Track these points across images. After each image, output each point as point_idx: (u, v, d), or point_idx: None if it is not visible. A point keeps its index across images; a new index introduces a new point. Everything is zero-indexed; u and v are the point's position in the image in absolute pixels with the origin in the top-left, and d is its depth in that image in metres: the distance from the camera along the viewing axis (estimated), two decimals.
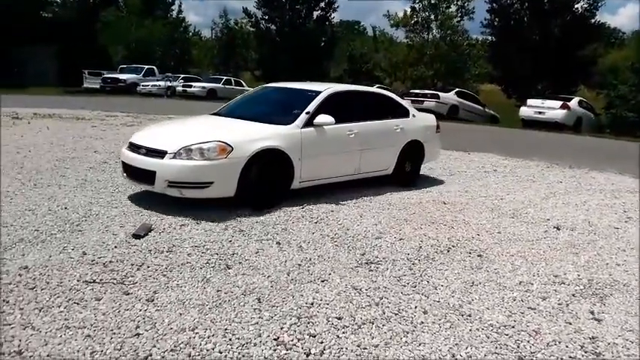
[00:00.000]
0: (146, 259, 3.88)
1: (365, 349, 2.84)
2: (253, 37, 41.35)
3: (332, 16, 38.78)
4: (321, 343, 2.86)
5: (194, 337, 2.82)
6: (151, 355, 2.64)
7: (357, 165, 6.35)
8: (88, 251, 3.94)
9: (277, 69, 33.05)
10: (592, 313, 3.49)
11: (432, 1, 32.43)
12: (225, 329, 2.93)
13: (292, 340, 2.86)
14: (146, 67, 29.99)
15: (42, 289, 3.27)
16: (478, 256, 4.46)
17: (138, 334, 2.82)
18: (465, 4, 32.48)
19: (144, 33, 35.48)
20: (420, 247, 4.58)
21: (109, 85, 27.95)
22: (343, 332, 2.99)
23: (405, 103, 7.56)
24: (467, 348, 2.92)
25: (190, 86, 28.56)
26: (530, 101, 20.99)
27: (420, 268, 4.08)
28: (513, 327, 3.20)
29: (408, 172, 7.07)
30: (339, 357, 2.75)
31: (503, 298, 3.62)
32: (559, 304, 3.60)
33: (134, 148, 5.37)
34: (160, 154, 5.05)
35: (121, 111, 15.97)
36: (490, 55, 32.60)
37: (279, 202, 5.46)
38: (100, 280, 3.47)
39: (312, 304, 3.32)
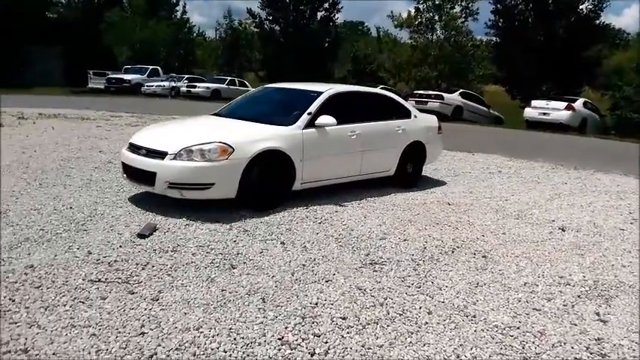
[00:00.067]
0: (151, 258, 3.89)
1: (369, 349, 2.84)
2: (257, 38, 41.40)
3: (336, 17, 38.83)
4: (326, 342, 2.86)
5: (199, 337, 2.83)
6: (155, 353, 2.65)
7: (359, 166, 6.32)
8: (93, 250, 3.96)
9: (281, 70, 33.05)
10: (598, 314, 3.48)
11: (436, 2, 32.39)
12: (230, 329, 2.94)
13: (297, 340, 2.86)
14: (150, 67, 30.08)
15: (48, 288, 3.29)
16: (483, 257, 4.46)
17: (143, 333, 2.83)
18: (470, 5, 32.46)
19: (148, 33, 35.58)
20: (425, 247, 4.58)
21: (113, 85, 28.04)
22: (348, 332, 2.99)
23: (407, 104, 7.53)
24: (472, 349, 2.91)
25: (194, 87, 28.60)
26: (534, 102, 20.90)
27: (425, 269, 4.07)
28: (518, 328, 3.19)
29: (409, 173, 7.04)
30: (343, 357, 2.75)
31: (508, 299, 3.61)
32: (564, 305, 3.59)
33: (134, 148, 5.33)
34: (161, 154, 5.01)
35: (125, 111, 16.02)
36: (494, 56, 32.50)
37: (281, 203, 5.44)
38: (105, 279, 3.49)
39: (316, 304, 3.32)
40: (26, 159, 7.18)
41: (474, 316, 3.31)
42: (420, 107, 17.87)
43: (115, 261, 3.79)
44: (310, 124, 5.70)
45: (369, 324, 3.10)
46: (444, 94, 21.60)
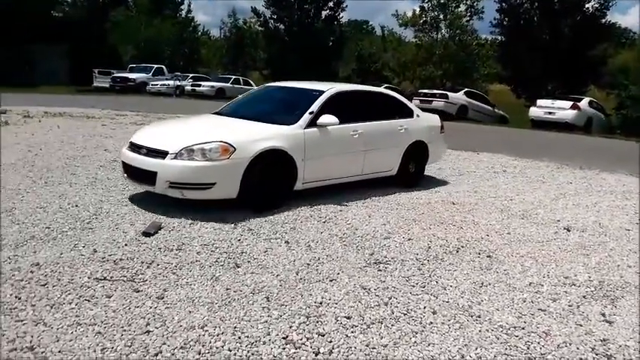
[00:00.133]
0: (156, 256, 3.91)
1: (374, 348, 2.84)
2: (262, 37, 41.44)
3: (340, 16, 38.85)
4: (330, 342, 2.87)
5: (203, 335, 2.84)
6: (161, 352, 2.66)
7: (361, 166, 6.29)
8: (98, 249, 3.97)
9: (286, 68, 33.07)
10: (603, 315, 3.47)
11: (441, 1, 32.37)
12: (235, 327, 2.94)
13: (301, 339, 2.87)
14: (155, 66, 30.16)
15: (53, 286, 3.30)
16: (487, 256, 4.45)
17: (148, 332, 2.84)
18: (475, 4, 32.46)
19: (153, 32, 35.69)
20: (429, 247, 4.57)
21: (118, 84, 28.14)
22: (352, 332, 2.99)
23: (409, 103, 7.47)
24: (476, 349, 2.91)
25: (199, 85, 28.68)
26: (540, 101, 20.84)
27: (429, 269, 4.07)
28: (523, 328, 3.19)
29: (412, 172, 7.00)
30: (347, 356, 2.76)
31: (513, 299, 3.60)
32: (569, 305, 3.58)
33: (135, 147, 5.29)
34: (161, 154, 4.96)
35: (130, 110, 16.06)
36: (499, 54, 32.40)
37: (282, 204, 5.41)
38: (111, 277, 3.50)
39: (320, 303, 3.32)
40: (32, 157, 7.21)
41: (479, 316, 3.30)
42: (424, 106, 17.95)
43: (121, 259, 3.80)
44: (312, 123, 5.67)
45: (373, 323, 3.10)
46: (448, 93, 21.57)
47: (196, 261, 3.88)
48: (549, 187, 7.74)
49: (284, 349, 2.77)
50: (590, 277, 4.12)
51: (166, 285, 3.44)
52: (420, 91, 23.93)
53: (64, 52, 31.20)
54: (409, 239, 4.74)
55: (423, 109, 7.95)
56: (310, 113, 5.72)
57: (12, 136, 8.95)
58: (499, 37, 32.50)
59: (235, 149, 4.97)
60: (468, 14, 32.72)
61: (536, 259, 4.45)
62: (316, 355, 2.74)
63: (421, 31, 33.83)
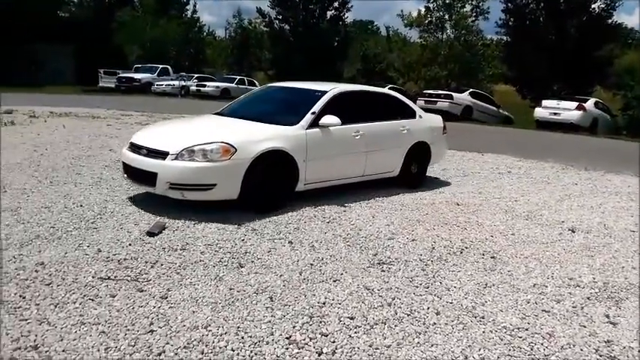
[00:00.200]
0: (160, 256, 3.92)
1: (377, 349, 2.83)
2: (267, 37, 41.50)
3: (345, 16, 38.88)
4: (333, 342, 2.87)
5: (207, 335, 2.84)
6: (164, 351, 2.67)
7: (363, 167, 6.25)
8: (103, 248, 3.99)
9: (291, 69, 33.09)
10: (607, 316, 3.45)
11: (447, 1, 32.24)
12: (238, 327, 2.95)
13: (304, 339, 2.87)
14: (160, 66, 30.23)
15: (58, 285, 3.32)
16: (491, 257, 4.43)
17: (152, 331, 2.85)
18: (480, 4, 32.28)
19: (159, 33, 35.74)
20: (433, 248, 4.56)
21: (124, 84, 28.23)
22: (355, 332, 2.99)
23: (412, 103, 7.43)
24: (480, 350, 2.90)
25: (204, 86, 28.73)
26: (545, 102, 20.75)
27: (433, 269, 4.06)
28: (527, 329, 3.18)
29: (414, 173, 6.96)
30: (351, 357, 2.76)
31: (517, 301, 3.59)
32: (574, 307, 3.56)
33: (135, 148, 5.25)
34: (162, 154, 4.93)
35: (135, 110, 16.12)
36: (505, 55, 32.32)
37: (284, 205, 5.38)
38: (115, 277, 3.51)
39: (324, 303, 3.32)
40: (37, 157, 7.25)
41: (483, 317, 3.30)
42: (429, 107, 17.93)
43: (125, 259, 3.82)
44: (314, 123, 5.63)
45: (376, 324, 3.10)
46: (453, 94, 21.51)
47: (200, 261, 3.89)
48: (554, 188, 7.71)
49: (287, 349, 2.77)
50: (594, 279, 4.10)
51: (170, 285, 3.45)
52: (424, 91, 23.88)
53: (69, 52, 31.40)
54: (413, 240, 4.73)
55: (428, 110, 7.93)
56: (312, 114, 5.69)
57: (18, 135, 9.00)
58: (504, 38, 32.49)
59: (236, 150, 4.93)
60: (474, 14, 32.60)
61: (540, 261, 4.44)
62: (319, 355, 2.74)
63: (426, 31, 33.73)
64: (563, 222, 5.72)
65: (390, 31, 48.29)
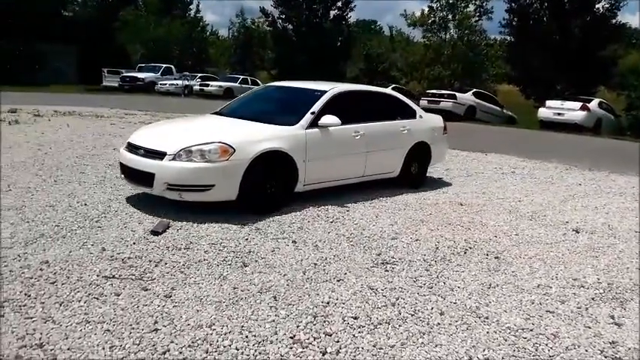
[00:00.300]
0: (164, 255, 3.93)
1: (381, 349, 2.83)
2: (270, 37, 41.48)
3: (349, 16, 38.86)
4: (337, 342, 2.87)
5: (211, 334, 2.85)
6: (168, 350, 2.67)
7: (363, 167, 6.21)
8: (107, 247, 4.00)
9: (294, 68, 33.11)
10: (612, 317, 3.44)
11: (450, 1, 32.21)
12: (242, 326, 2.95)
13: (308, 339, 2.87)
14: (164, 66, 30.32)
15: (62, 284, 3.33)
16: (495, 258, 4.43)
17: (156, 330, 2.85)
18: (484, 4, 32.25)
19: (162, 32, 35.83)
20: (437, 248, 4.56)
21: (127, 83, 28.30)
22: (359, 332, 2.99)
23: (412, 103, 7.39)
24: (484, 350, 2.89)
25: (207, 85, 28.77)
26: (549, 102, 20.68)
27: (437, 269, 4.06)
28: (531, 330, 3.17)
29: (414, 174, 6.92)
30: (355, 356, 2.75)
31: (521, 301, 3.59)
32: (578, 307, 3.56)
33: (132, 148, 5.20)
34: (159, 155, 4.86)
35: (139, 109, 16.15)
36: (508, 55, 32.20)
37: (283, 206, 5.34)
38: (119, 275, 3.52)
39: (328, 303, 3.32)
40: (41, 156, 7.27)
41: (487, 318, 3.29)
42: (432, 107, 17.91)
43: (129, 258, 3.83)
44: (313, 124, 5.58)
45: (380, 324, 3.10)
46: (456, 94, 21.48)
47: (204, 260, 3.90)
48: (558, 188, 7.69)
49: (291, 348, 2.77)
50: (599, 279, 4.09)
51: (174, 284, 3.46)
52: (428, 91, 23.85)
53: (73, 52, 31.44)
54: (417, 240, 4.73)
55: (431, 110, 7.90)
56: (312, 114, 5.63)
57: (22, 134, 9.03)
58: (508, 38, 32.32)
59: (235, 150, 4.88)
60: (477, 14, 32.56)
61: (544, 261, 4.43)
62: (323, 354, 2.74)
63: (429, 31, 33.68)
64: (567, 222, 5.71)
65: (394, 30, 48.39)
